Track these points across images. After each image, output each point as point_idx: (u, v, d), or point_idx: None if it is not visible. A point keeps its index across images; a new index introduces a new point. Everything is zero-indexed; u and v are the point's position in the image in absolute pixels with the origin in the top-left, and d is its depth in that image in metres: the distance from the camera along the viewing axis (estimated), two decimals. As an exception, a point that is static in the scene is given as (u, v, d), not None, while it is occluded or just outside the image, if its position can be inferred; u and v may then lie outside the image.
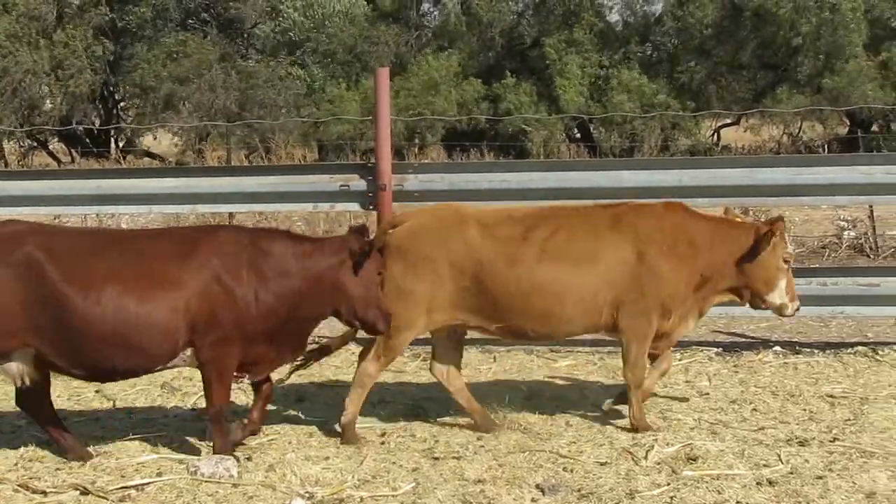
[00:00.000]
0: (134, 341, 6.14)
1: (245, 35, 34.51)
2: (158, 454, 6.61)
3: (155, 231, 7.22)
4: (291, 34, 33.12)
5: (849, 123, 33.06)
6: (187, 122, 29.54)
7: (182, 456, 6.55)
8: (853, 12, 28.59)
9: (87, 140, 33.34)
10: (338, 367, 8.87)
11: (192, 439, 6.89)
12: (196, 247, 6.34)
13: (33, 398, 6.50)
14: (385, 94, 9.28)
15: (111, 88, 36.31)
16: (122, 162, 27.99)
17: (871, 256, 13.89)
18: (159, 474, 6.24)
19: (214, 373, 6.39)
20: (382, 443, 6.80)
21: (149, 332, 6.15)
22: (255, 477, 6.18)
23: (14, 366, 6.25)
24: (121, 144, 34.50)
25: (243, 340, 6.35)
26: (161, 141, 35.90)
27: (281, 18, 33.36)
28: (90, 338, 6.09)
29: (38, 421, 6.63)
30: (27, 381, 6.32)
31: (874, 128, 32.36)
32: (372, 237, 6.71)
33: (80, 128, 32.31)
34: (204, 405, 6.67)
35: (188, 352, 6.33)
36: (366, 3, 34.07)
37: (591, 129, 32.99)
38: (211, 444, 6.56)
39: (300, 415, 7.45)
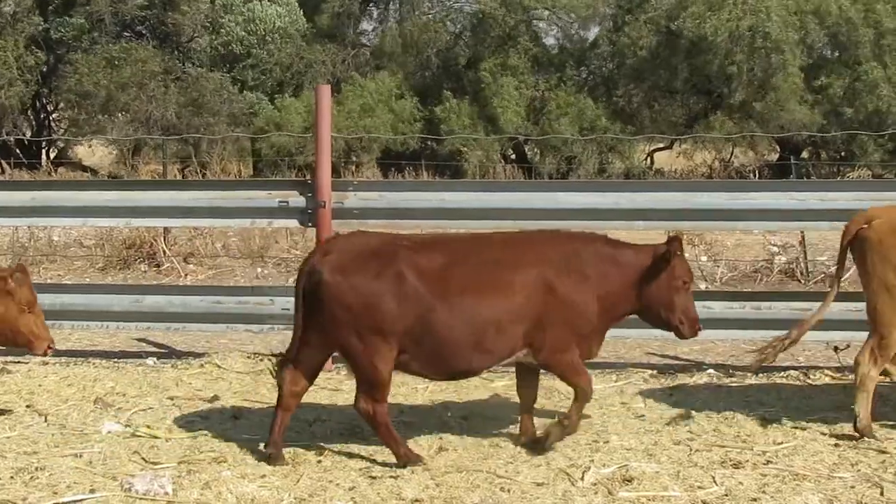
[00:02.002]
0: (485, 344, 6.62)
1: (182, 49, 34.23)
2: (91, 470, 6.50)
3: (496, 238, 7.41)
4: (233, 47, 32.94)
5: (779, 150, 33.58)
6: (124, 132, 29.23)
7: (115, 472, 6.46)
8: (786, 41, 29.05)
9: (18, 151, 32.86)
10: (273, 384, 8.76)
11: (125, 455, 6.79)
12: (533, 254, 6.83)
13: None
14: (326, 112, 9.28)
15: (43, 100, 35.88)
16: (53, 174, 27.67)
17: (802, 281, 14.07)
18: (92, 491, 6.16)
19: (566, 369, 6.87)
20: (319, 461, 6.74)
21: (497, 335, 6.62)
22: (191, 494, 6.11)
23: None
24: (52, 156, 34.08)
25: (579, 338, 6.82)
26: (95, 152, 35.50)
27: (223, 31, 33.16)
28: (449, 342, 6.58)
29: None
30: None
31: (804, 154, 32.91)
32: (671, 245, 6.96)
33: (11, 139, 31.85)
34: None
35: (524, 351, 6.75)
36: (305, 20, 34.00)
37: (527, 150, 33.22)
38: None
39: (236, 433, 7.37)
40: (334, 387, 8.71)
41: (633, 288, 6.93)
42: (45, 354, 7.46)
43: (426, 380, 7.56)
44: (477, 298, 6.60)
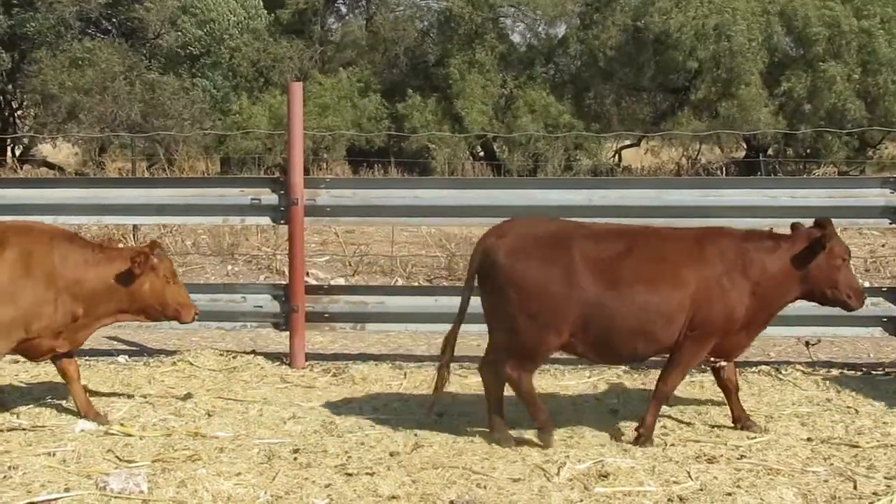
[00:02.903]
0: (651, 331, 6.84)
1: (148, 45, 34.05)
2: (65, 469, 6.46)
3: (663, 231, 7.52)
4: (191, 48, 32.78)
5: (746, 147, 33.80)
6: (89, 131, 29.04)
7: (90, 471, 6.42)
8: (749, 42, 29.26)
9: (-18, 149, 32.64)
10: (246, 381, 8.78)
11: (99, 454, 6.76)
12: (703, 250, 7.01)
13: (494, 378, 7.20)
14: (298, 109, 9.26)
15: (8, 97, 35.60)
16: (19, 171, 27.46)
17: (770, 278, 14.14)
18: (67, 490, 6.11)
19: (685, 360, 7.05)
20: (295, 458, 6.72)
21: (664, 324, 6.84)
22: (166, 493, 6.07)
23: None
24: (17, 153, 33.83)
25: (723, 335, 7.02)
26: (61, 150, 35.23)
27: (181, 32, 32.98)
28: (618, 329, 6.80)
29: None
30: None
31: (770, 152, 33.13)
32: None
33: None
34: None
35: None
36: (268, 15, 33.86)
37: (495, 147, 33.25)
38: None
39: (210, 430, 7.33)
40: (308, 384, 8.71)
41: (796, 276, 7.14)
42: (192, 321, 7.64)
43: (594, 363, 8.07)
44: (647, 287, 6.80)
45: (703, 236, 7.17)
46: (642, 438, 7.01)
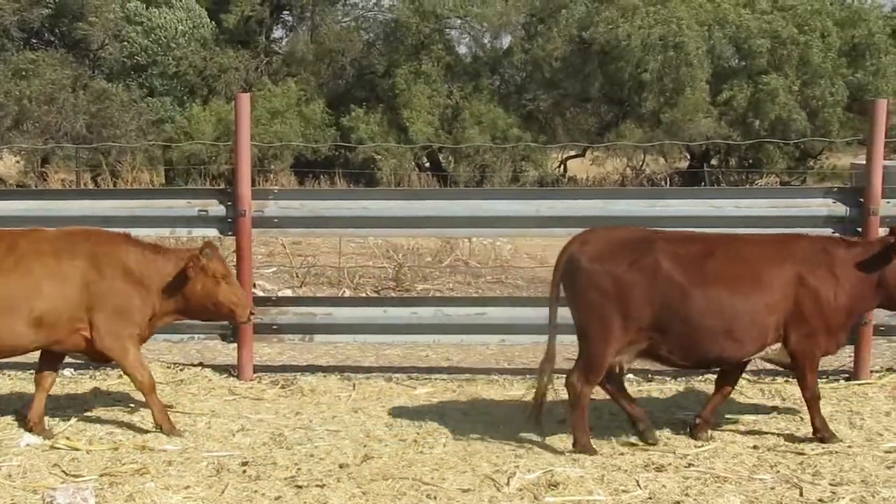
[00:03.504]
0: (737, 334, 6.97)
1: (92, 56, 33.77)
2: (11, 484, 6.40)
3: (746, 236, 7.64)
4: (138, 58, 32.56)
5: (689, 157, 34.11)
6: (33, 143, 28.72)
7: (36, 485, 6.36)
8: (696, 51, 29.53)
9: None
10: (194, 394, 8.72)
11: (45, 468, 6.69)
12: (784, 252, 7.17)
13: (615, 380, 7.42)
14: (245, 120, 9.20)
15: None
16: (-41, 182, 27.15)
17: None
18: (12, 505, 6.08)
19: (806, 363, 7.21)
20: (244, 471, 6.69)
21: (750, 327, 6.98)
22: (114, 507, 6.05)
23: (623, 356, 7.14)
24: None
25: (826, 334, 7.16)
26: (4, 162, 34.81)
27: (126, 42, 32.74)
28: (703, 331, 6.94)
29: (614, 397, 7.52)
30: (623, 368, 7.38)
31: (714, 161, 33.46)
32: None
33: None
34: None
35: (774, 346, 7.15)
36: (212, 23, 33.69)
37: (441, 158, 33.31)
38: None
39: (158, 444, 7.28)
40: (257, 396, 8.66)
41: (873, 281, 7.23)
42: (248, 320, 7.82)
43: (673, 367, 7.93)
44: (730, 292, 6.94)
45: (786, 238, 7.37)
46: (825, 437, 7.27)
